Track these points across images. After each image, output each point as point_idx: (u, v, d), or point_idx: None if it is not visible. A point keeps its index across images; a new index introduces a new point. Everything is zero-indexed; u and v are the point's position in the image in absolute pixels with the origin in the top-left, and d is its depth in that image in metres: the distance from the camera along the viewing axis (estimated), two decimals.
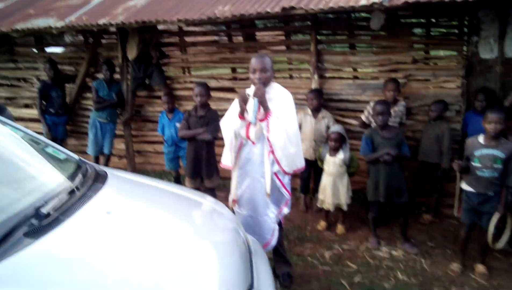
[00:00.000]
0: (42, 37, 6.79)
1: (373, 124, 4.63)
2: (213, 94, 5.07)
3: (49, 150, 2.58)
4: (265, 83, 3.19)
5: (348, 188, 4.50)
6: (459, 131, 4.72)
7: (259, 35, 6.13)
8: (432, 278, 3.75)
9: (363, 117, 4.83)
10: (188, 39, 5.96)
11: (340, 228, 4.59)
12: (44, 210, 1.90)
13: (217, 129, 4.33)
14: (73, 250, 1.75)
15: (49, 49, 7.06)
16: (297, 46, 5.52)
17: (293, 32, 5.72)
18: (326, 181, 4.51)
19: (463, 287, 3.61)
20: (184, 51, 6.03)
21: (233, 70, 6.10)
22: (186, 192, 2.81)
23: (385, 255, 4.13)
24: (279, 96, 3.25)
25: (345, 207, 4.51)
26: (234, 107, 3.31)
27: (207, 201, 2.70)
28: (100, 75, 6.19)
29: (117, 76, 5.94)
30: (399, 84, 4.66)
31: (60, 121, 6.16)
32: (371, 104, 4.73)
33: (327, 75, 5.28)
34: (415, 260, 4.03)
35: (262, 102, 3.14)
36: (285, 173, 3.29)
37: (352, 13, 4.94)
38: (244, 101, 3.18)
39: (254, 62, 3.20)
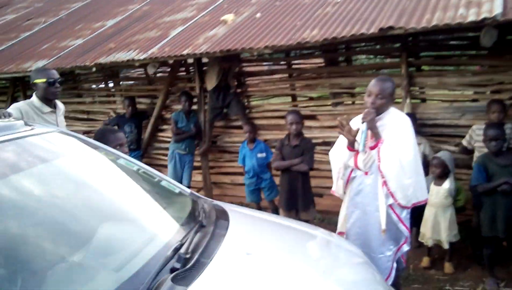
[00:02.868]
0: (118, 71, 6.92)
1: (478, 150, 4.24)
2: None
3: (164, 183, 2.40)
4: (378, 108, 2.92)
5: (451, 224, 4.05)
6: None
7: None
8: None
9: (464, 142, 4.42)
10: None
11: (448, 267, 4.13)
12: (184, 251, 1.68)
13: (313, 159, 4.12)
14: None
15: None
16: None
17: (384, 55, 5.49)
18: (428, 213, 4.12)
19: None
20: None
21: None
22: (306, 228, 2.56)
23: None
24: (394, 121, 2.96)
25: (446, 245, 4.07)
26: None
27: (335, 238, 2.43)
28: (175, 107, 6.18)
29: (194, 106, 5.87)
30: (505, 106, 4.24)
31: (131, 156, 6.16)
32: (474, 128, 4.34)
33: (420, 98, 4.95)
34: None
35: (372, 128, 2.88)
36: (401, 206, 2.96)
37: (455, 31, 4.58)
38: (349, 132, 2.93)
39: (372, 84, 2.94)
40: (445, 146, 4.71)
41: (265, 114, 5.74)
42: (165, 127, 6.35)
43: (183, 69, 6.58)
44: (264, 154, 5.02)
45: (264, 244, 2.05)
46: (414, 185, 2.90)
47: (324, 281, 1.87)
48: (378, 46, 5.43)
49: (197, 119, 5.80)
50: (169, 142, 6.02)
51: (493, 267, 3.90)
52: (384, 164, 2.83)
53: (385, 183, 2.87)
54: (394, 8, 4.12)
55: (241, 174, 5.76)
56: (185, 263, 1.63)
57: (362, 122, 2.86)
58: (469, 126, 4.44)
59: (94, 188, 2.05)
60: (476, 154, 4.25)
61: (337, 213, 5.07)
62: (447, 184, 4.00)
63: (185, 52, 4.73)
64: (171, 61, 5.88)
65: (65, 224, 1.72)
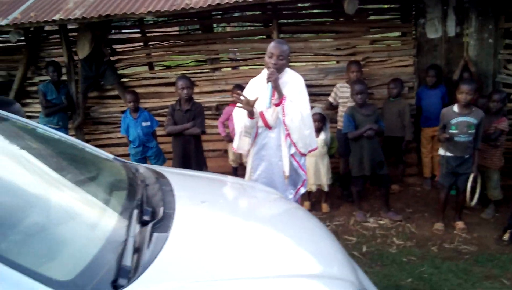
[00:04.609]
0: None
1: (341, 105, 4.90)
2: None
3: (89, 150, 2.36)
4: (279, 69, 3.22)
5: (328, 169, 4.70)
6: (414, 105, 5.16)
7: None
8: (424, 238, 4.10)
9: (330, 99, 5.04)
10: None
11: (325, 207, 4.78)
12: (147, 206, 1.77)
13: (204, 122, 4.29)
14: (205, 237, 1.69)
15: None
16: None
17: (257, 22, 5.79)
18: (308, 162, 4.64)
19: (453, 242, 4.02)
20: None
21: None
22: (225, 178, 2.81)
23: (375, 225, 4.40)
24: (292, 80, 3.31)
25: (326, 188, 4.71)
26: (248, 93, 3.28)
27: (250, 183, 2.75)
28: (40, 78, 5.69)
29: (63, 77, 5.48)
30: (361, 66, 4.95)
31: None
32: (338, 86, 4.98)
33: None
34: (403, 226, 4.35)
35: (276, 87, 3.18)
36: (301, 154, 3.38)
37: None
38: (247, 104, 3.16)
39: (273, 46, 3.19)
40: (313, 104, 5.28)
41: (142, 82, 5.66)
42: (28, 101, 5.81)
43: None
44: (148, 123, 4.98)
45: (207, 193, 2.22)
46: (310, 134, 3.34)
47: (266, 216, 2.15)
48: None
49: (68, 90, 5.45)
50: (35, 117, 5.55)
51: (360, 202, 4.66)
52: (289, 118, 3.18)
53: (288, 135, 3.23)
54: None
55: (120, 145, 5.64)
56: (153, 216, 1.73)
57: (268, 82, 3.13)
58: (332, 86, 5.08)
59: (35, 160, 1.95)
60: (341, 109, 4.91)
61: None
62: (323, 135, 4.57)
63: (56, 17, 4.40)
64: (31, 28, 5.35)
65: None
